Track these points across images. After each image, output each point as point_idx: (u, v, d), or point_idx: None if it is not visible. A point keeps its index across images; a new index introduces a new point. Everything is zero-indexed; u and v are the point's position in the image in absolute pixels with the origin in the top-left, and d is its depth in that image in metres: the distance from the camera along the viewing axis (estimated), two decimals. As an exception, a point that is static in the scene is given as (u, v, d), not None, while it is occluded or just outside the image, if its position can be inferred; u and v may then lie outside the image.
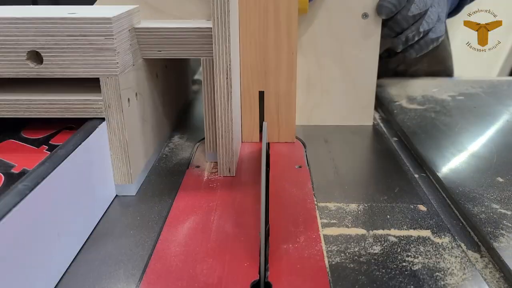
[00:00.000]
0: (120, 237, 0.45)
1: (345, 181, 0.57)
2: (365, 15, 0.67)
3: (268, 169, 0.59)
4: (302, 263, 0.42)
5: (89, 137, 0.45)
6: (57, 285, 0.39)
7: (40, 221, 0.37)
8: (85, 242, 0.44)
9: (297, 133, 0.70)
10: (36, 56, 0.46)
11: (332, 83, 0.72)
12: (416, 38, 0.69)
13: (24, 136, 0.49)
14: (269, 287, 0.39)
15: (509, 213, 0.49)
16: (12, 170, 0.42)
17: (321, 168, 0.60)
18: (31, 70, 0.46)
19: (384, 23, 0.68)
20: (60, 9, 0.50)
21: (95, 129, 0.47)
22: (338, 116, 0.74)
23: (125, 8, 0.51)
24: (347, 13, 0.68)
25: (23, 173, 0.41)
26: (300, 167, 0.61)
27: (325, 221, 0.48)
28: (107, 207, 0.50)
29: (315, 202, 0.52)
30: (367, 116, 0.74)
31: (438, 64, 1.06)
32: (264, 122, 0.58)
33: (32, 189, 0.35)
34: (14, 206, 0.33)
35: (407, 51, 0.71)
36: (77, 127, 0.48)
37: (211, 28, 0.50)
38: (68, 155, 0.42)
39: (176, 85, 0.73)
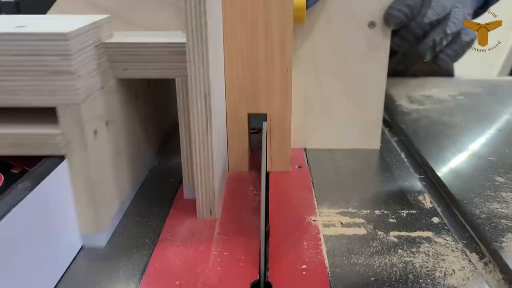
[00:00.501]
0: None
1: (345, 181, 0.59)
2: (371, 24, 0.61)
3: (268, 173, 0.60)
4: (302, 263, 0.43)
5: (45, 179, 0.38)
6: (57, 285, 0.39)
7: None
8: None
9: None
10: (-23, 81, 0.39)
11: (334, 103, 0.65)
12: (445, 42, 0.62)
13: None
14: (269, 287, 0.40)
15: (509, 213, 0.50)
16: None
17: (321, 168, 0.62)
18: (-29, 98, 0.39)
19: (395, 32, 0.62)
20: (6, 21, 0.42)
21: (52, 170, 0.40)
22: (340, 139, 0.68)
23: (90, 19, 0.43)
24: (351, 22, 0.61)
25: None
26: (300, 167, 0.62)
27: (325, 221, 0.50)
28: (70, 261, 0.43)
29: (315, 202, 0.53)
30: (374, 140, 0.67)
31: None
32: (264, 122, 0.54)
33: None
34: None
35: (441, 60, 0.64)
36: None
37: (185, 43, 0.43)
38: (18, 203, 0.35)
39: (161, 104, 0.66)
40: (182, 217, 0.50)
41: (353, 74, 0.64)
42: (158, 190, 0.56)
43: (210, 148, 0.46)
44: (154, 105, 0.61)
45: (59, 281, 0.41)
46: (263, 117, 0.59)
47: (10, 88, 0.39)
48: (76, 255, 0.44)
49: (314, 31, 0.62)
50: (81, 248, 0.45)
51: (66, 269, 0.42)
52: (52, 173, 0.40)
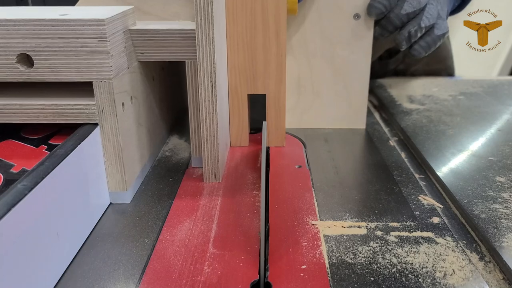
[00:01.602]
0: (113, 248, 0.47)
1: (345, 181, 0.60)
2: (356, 16, 0.71)
3: (268, 169, 0.63)
4: (302, 263, 0.44)
5: (82, 143, 0.47)
6: (56, 285, 0.41)
7: (38, 221, 0.39)
8: (79, 249, 0.47)
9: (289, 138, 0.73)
10: (26, 59, 0.48)
11: (323, 85, 0.75)
12: (419, 34, 0.71)
13: (24, 135, 0.51)
14: (269, 287, 0.41)
15: (510, 213, 0.51)
16: (12, 170, 0.44)
17: (321, 168, 0.64)
18: (21, 73, 0.48)
19: (377, 22, 0.72)
20: (51, 10, 0.52)
21: (89, 135, 0.49)
22: (329, 119, 0.77)
23: (120, 9, 0.53)
24: (338, 13, 0.71)
25: (22, 173, 0.44)
26: (300, 167, 0.64)
27: (325, 221, 0.51)
28: (100, 215, 0.52)
29: (315, 202, 0.55)
30: (360, 120, 0.77)
31: (439, 63, 1.11)
32: (264, 122, 0.60)
33: (32, 188, 0.37)
34: (13, 206, 0.35)
35: (415, 50, 0.73)
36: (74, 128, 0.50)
37: (194, 30, 0.52)
38: (63, 160, 0.44)
39: (174, 87, 0.76)
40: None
41: (340, 60, 0.74)
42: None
43: (215, 119, 0.56)
44: (167, 88, 0.71)
45: (91, 231, 0.50)
46: (263, 116, 0.68)
47: (55, 65, 0.48)
48: (106, 210, 0.54)
49: (306, 22, 0.72)
50: (110, 204, 0.55)
51: (98, 222, 0.51)
52: (88, 137, 0.49)
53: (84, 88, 0.50)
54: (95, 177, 0.51)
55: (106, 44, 0.48)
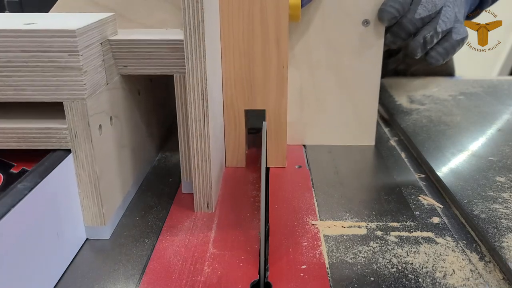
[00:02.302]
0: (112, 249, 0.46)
1: (345, 181, 0.60)
2: (365, 22, 0.64)
3: (268, 169, 0.63)
4: (302, 263, 0.44)
5: (52, 172, 0.41)
6: (56, 285, 0.41)
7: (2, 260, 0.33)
8: None
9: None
10: (-14, 77, 0.42)
11: (329, 99, 0.69)
12: (435, 40, 0.65)
13: None
14: (269, 287, 0.41)
15: (510, 213, 0.51)
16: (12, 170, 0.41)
17: (321, 168, 0.64)
18: (-20, 93, 0.42)
19: (388, 29, 0.66)
20: (15, 18, 0.45)
21: (60, 163, 0.43)
22: (335, 135, 0.71)
23: (97, 17, 0.47)
24: (345, 20, 0.64)
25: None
26: (300, 167, 0.64)
27: (325, 221, 0.51)
28: (75, 253, 0.46)
29: (315, 202, 0.55)
30: (369, 136, 0.71)
31: None
32: (264, 122, 0.55)
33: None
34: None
35: (432, 57, 0.67)
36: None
37: (183, 40, 0.46)
38: (26, 195, 0.37)
39: (164, 100, 0.69)
40: (181, 212, 0.53)
41: (347, 71, 0.67)
42: (160, 185, 0.59)
43: (207, 142, 0.50)
44: (156, 101, 0.65)
45: (64, 272, 0.44)
46: (262, 117, 0.62)
47: (18, 83, 0.42)
48: (81, 247, 0.47)
49: (310, 29, 0.65)
50: (86, 240, 0.48)
51: (72, 261, 0.45)
52: (59, 166, 0.43)
53: (53, 110, 0.44)
54: (68, 210, 0.44)
55: (78, 58, 0.41)
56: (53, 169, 0.42)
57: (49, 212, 0.41)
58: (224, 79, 0.59)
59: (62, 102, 0.42)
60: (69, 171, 0.44)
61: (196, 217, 0.52)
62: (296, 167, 0.64)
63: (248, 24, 0.57)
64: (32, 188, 0.38)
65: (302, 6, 0.59)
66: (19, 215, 0.36)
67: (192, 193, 0.53)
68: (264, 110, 0.61)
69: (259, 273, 0.42)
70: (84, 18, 0.45)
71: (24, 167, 0.43)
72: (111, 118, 0.49)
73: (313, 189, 0.58)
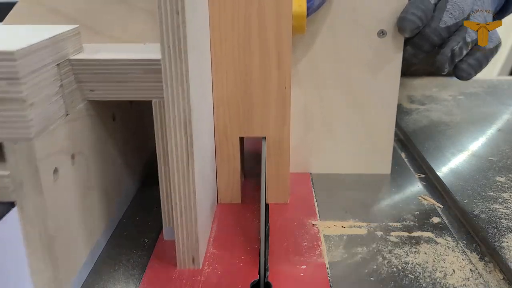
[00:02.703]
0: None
1: (345, 180, 0.60)
2: (381, 33, 0.55)
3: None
4: (302, 263, 0.44)
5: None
6: None
7: None
8: None
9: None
10: None
11: (338, 122, 0.59)
12: (465, 52, 0.56)
13: None
14: (269, 287, 0.41)
15: (510, 213, 0.51)
16: None
17: (323, 179, 0.61)
18: None
19: (408, 40, 0.56)
20: None
21: (1, 219, 0.33)
22: (344, 162, 0.62)
23: (52, 31, 0.37)
24: (358, 30, 0.55)
25: None
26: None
27: (325, 220, 0.51)
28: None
29: (315, 202, 0.55)
30: (384, 164, 0.61)
31: None
32: (263, 140, 0.51)
33: None
34: None
35: (462, 71, 0.57)
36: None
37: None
38: None
39: (144, 124, 0.58)
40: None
41: (360, 90, 0.58)
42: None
43: (192, 187, 0.40)
44: (136, 126, 0.55)
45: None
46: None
47: None
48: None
49: (316, 42, 0.56)
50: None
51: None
52: (1, 221, 0.33)
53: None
54: (13, 276, 0.35)
55: (21, 88, 0.32)
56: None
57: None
58: (215, 103, 0.50)
59: (1, 144, 0.33)
60: (14, 229, 0.35)
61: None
62: None
63: (243, 38, 0.48)
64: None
65: (307, 15, 0.50)
66: None
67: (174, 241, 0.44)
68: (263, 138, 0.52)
69: (259, 273, 0.42)
70: (35, 34, 0.36)
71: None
72: (72, 156, 0.39)
73: (313, 189, 0.58)
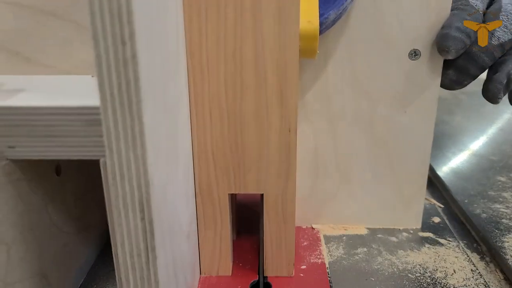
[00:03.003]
0: None
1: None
2: (414, 54, 0.43)
3: None
4: (302, 263, 0.44)
5: None
6: None
7: None
8: None
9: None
10: None
11: (356, 164, 0.49)
12: None
13: None
14: (269, 287, 0.41)
15: (511, 212, 0.51)
16: None
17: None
18: None
19: (448, 63, 0.44)
20: None
21: None
22: (364, 214, 0.51)
23: None
24: (384, 51, 0.44)
25: None
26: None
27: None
28: None
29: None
30: (415, 218, 0.50)
31: None
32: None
33: None
34: None
35: None
36: None
37: None
38: None
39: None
40: None
41: (386, 127, 0.47)
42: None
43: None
44: (91, 177, 0.42)
45: None
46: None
47: None
48: None
49: (329, 66, 0.44)
50: None
51: None
52: None
53: None
54: None
55: None
56: None
57: None
58: (196, 155, 0.38)
59: None
60: None
61: None
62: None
63: (233, 68, 0.35)
64: None
65: (320, 33, 0.38)
66: None
67: None
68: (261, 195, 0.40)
69: (259, 273, 0.42)
70: None
71: None
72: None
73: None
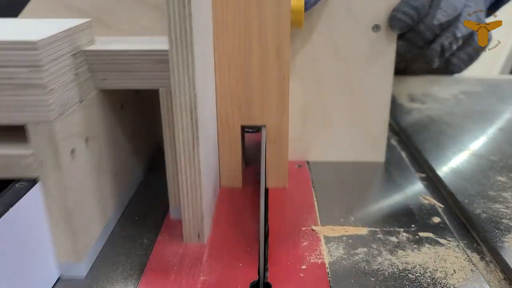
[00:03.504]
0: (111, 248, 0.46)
1: (345, 180, 0.60)
2: (376, 28, 0.58)
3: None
4: (302, 263, 0.44)
5: (15, 205, 0.36)
6: (55, 284, 0.40)
7: None
8: None
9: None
10: None
11: (335, 112, 0.63)
12: (455, 47, 0.59)
13: None
14: (269, 287, 0.41)
15: (511, 212, 0.51)
16: None
17: (321, 168, 0.63)
18: None
19: (402, 35, 0.59)
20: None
21: (25, 194, 0.37)
22: (342, 151, 0.65)
23: (68, 24, 0.41)
24: (354, 25, 0.58)
25: None
26: (300, 166, 0.64)
27: (325, 221, 0.51)
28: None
29: (315, 202, 0.55)
30: (379, 152, 0.65)
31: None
32: (263, 128, 0.54)
33: None
34: None
35: (454, 65, 0.61)
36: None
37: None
38: None
39: (151, 112, 0.61)
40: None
41: (356, 81, 0.61)
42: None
43: (197, 168, 0.44)
44: (143, 114, 0.59)
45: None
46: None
47: (-26, 104, 0.36)
48: (53, 286, 0.42)
49: (314, 35, 0.59)
50: (59, 279, 0.42)
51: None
52: (24, 198, 0.37)
53: (16, 134, 0.38)
54: (36, 247, 0.39)
55: (42, 75, 0.35)
56: (17, 201, 0.36)
57: (13, 250, 0.36)
58: (218, 93, 0.54)
59: (25, 125, 0.37)
60: (37, 203, 0.38)
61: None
62: (296, 167, 0.64)
63: (244, 33, 0.51)
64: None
65: (305, 10, 0.54)
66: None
67: (180, 221, 0.47)
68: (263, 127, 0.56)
69: (259, 273, 0.42)
70: (52, 26, 0.40)
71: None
72: (86, 139, 0.43)
73: (313, 189, 0.58)
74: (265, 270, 0.43)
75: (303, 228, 0.50)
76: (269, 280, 0.42)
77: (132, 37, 0.50)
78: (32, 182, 0.38)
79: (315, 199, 0.55)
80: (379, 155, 0.65)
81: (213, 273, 0.42)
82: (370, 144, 0.65)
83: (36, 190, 0.38)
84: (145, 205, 0.55)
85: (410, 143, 0.71)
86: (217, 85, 0.53)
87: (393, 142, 0.72)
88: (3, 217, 0.34)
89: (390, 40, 0.59)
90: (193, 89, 0.41)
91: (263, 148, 0.53)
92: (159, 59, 0.44)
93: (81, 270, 0.42)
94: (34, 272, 0.39)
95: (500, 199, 0.54)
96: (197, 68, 0.41)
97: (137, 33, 0.50)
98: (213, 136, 0.53)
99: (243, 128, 0.57)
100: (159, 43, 0.45)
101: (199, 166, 0.44)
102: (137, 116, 0.57)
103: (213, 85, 0.52)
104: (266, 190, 0.58)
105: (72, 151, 0.40)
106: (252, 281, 0.41)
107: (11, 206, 0.36)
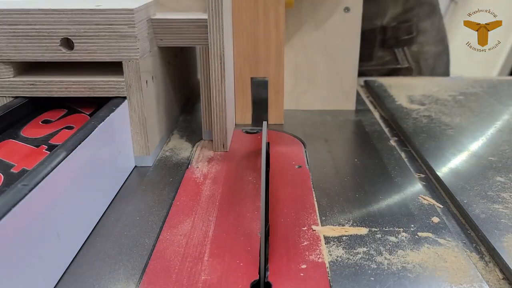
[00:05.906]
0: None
1: (345, 181, 0.60)
2: (346, 9, 0.80)
3: (268, 169, 0.63)
4: (302, 263, 0.44)
5: (113, 113, 0.56)
6: (56, 285, 0.41)
7: (67, 189, 0.46)
8: (110, 203, 0.55)
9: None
10: (67, 43, 0.58)
11: (318, 72, 0.85)
12: None
13: (24, 136, 0.54)
14: (269, 287, 0.41)
15: (510, 213, 0.50)
16: (12, 170, 0.46)
17: (321, 168, 0.64)
18: (63, 55, 0.58)
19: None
20: (87, 1, 0.62)
21: (118, 107, 0.58)
22: (323, 101, 0.87)
23: (144, 1, 0.63)
24: (330, 7, 0.80)
25: (22, 173, 0.45)
26: (300, 167, 0.64)
27: (325, 221, 0.51)
28: (127, 176, 0.61)
29: (315, 203, 0.55)
30: (350, 102, 0.87)
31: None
32: (264, 122, 0.60)
33: (70, 151, 0.47)
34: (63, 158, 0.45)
35: None
36: (76, 127, 0.57)
37: (206, 19, 0.61)
38: (94, 129, 0.50)
39: (185, 74, 0.86)
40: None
41: (332, 49, 0.83)
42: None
43: (223, 96, 0.66)
44: (180, 73, 0.81)
45: (120, 187, 0.59)
46: (264, 116, 0.78)
47: (91, 48, 0.58)
48: (131, 172, 0.63)
49: (302, 14, 0.82)
50: (135, 167, 0.64)
51: (125, 181, 0.61)
52: (118, 109, 0.58)
53: (114, 68, 0.60)
54: (123, 142, 0.60)
55: (134, 30, 0.57)
56: (114, 110, 0.57)
57: (110, 142, 0.57)
58: (235, 53, 0.76)
59: (121, 62, 0.58)
60: (125, 113, 0.60)
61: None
62: (296, 167, 0.64)
63: (253, 11, 0.73)
64: (95, 127, 0.51)
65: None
66: (91, 142, 0.52)
67: (211, 140, 0.70)
68: (266, 82, 0.78)
69: (259, 273, 0.42)
70: (135, 1, 0.62)
71: (25, 167, 0.46)
72: (152, 77, 0.65)
73: (313, 189, 0.58)
74: (266, 269, 0.43)
75: (303, 228, 0.49)
76: (269, 279, 0.41)
77: (178, 12, 0.71)
78: (123, 98, 0.60)
79: (315, 199, 0.55)
80: (350, 105, 0.87)
81: (214, 273, 0.42)
82: (344, 96, 0.86)
83: (125, 104, 0.60)
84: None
85: (409, 144, 0.71)
86: (235, 47, 0.75)
87: (392, 143, 0.72)
88: (105, 120, 0.55)
89: (357, 18, 0.81)
90: (222, 43, 0.63)
91: (263, 148, 0.54)
92: (199, 25, 0.65)
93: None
94: (121, 164, 0.60)
95: (499, 200, 0.53)
96: (225, 30, 0.63)
97: (181, 11, 0.72)
98: (231, 84, 0.74)
99: (252, 79, 0.78)
100: (198, 15, 0.67)
101: (225, 95, 0.66)
102: (177, 72, 0.79)
103: (232, 48, 0.74)
104: (267, 206, 0.54)
105: (147, 82, 0.62)
106: (252, 280, 0.41)
107: (110, 113, 0.56)
